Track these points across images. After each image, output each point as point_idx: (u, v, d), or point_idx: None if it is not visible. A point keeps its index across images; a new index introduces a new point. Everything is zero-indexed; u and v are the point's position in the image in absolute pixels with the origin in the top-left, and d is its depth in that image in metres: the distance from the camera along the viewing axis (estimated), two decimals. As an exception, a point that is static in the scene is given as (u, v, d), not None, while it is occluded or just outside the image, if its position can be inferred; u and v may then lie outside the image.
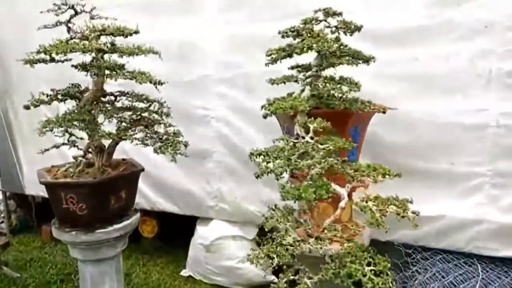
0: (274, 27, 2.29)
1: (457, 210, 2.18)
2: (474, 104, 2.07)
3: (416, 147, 2.22)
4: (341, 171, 1.26)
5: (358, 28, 1.68)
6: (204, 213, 2.87)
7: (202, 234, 2.82)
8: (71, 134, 2.04)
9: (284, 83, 1.73)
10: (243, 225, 2.78)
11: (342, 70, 1.81)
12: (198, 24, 2.66)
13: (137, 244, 3.34)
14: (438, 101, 2.14)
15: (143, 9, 2.78)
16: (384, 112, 1.64)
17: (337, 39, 1.65)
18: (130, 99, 2.16)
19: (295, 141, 1.33)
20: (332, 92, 1.59)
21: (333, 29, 1.69)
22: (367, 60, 1.71)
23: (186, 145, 2.03)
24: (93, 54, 1.91)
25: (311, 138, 1.32)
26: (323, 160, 1.22)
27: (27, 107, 1.84)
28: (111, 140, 2.02)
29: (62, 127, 1.88)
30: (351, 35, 1.68)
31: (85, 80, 2.01)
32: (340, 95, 1.62)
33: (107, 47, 1.94)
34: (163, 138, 2.04)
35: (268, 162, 1.35)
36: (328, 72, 1.77)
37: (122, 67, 2.07)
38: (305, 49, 1.55)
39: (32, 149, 3.18)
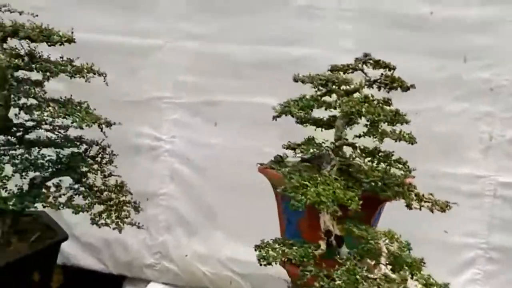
0: (256, 51, 1.97)
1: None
2: (472, 170, 1.87)
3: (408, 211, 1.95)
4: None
5: (407, 88, 1.28)
6: (138, 272, 2.23)
7: (133, 303, 2.18)
8: None
9: (314, 156, 1.28)
10: (189, 291, 2.21)
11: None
12: (154, 28, 2.05)
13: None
14: (435, 162, 1.88)
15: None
16: (444, 211, 1.26)
17: (387, 102, 1.26)
18: (51, 134, 1.53)
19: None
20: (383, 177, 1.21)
21: (370, 82, 1.28)
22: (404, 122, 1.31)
23: (138, 209, 1.48)
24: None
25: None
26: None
27: None
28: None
29: None
30: (388, 92, 1.30)
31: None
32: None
33: (23, 60, 1.32)
34: (103, 196, 1.44)
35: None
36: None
37: (39, 84, 1.48)
38: (355, 114, 1.14)
39: None
